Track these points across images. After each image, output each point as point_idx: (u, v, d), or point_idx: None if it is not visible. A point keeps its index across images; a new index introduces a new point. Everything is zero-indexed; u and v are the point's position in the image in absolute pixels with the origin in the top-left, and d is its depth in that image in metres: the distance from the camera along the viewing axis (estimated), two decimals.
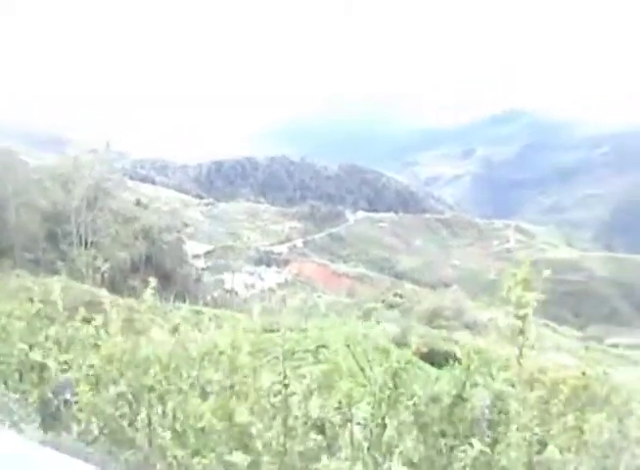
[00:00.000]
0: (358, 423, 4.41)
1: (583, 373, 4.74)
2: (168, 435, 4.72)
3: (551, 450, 4.25)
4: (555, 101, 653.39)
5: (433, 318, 74.01)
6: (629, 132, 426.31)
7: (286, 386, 4.47)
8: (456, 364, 4.51)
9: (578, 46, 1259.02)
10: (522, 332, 3.72)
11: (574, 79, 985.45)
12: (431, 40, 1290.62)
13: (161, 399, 5.06)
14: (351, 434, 4.38)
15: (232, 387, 4.68)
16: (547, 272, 4.42)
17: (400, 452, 4.31)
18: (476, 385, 4.39)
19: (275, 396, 4.46)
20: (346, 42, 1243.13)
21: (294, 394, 4.46)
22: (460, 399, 4.37)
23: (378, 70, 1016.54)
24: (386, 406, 4.41)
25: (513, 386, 4.26)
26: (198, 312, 35.46)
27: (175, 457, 4.58)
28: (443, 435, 4.39)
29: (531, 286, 3.89)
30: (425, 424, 4.41)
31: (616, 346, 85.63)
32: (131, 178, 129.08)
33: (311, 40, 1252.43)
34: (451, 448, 4.34)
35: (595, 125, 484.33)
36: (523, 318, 3.75)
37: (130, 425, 5.20)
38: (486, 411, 4.40)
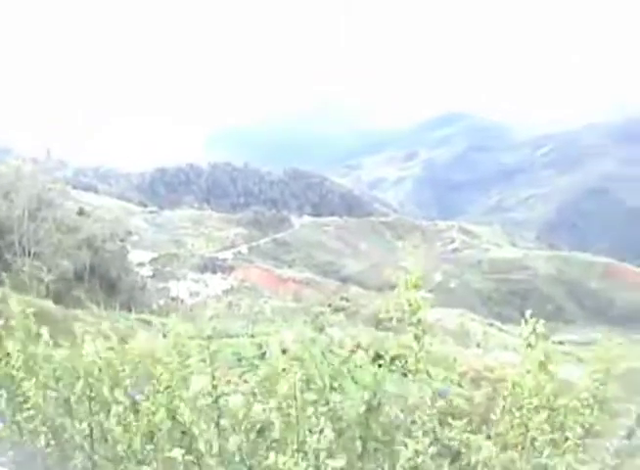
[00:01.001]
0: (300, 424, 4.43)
1: (528, 371, 4.78)
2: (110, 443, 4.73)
3: (488, 447, 4.29)
4: (494, 103, 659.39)
5: (379, 321, 74.22)
6: (569, 132, 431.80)
7: (228, 392, 4.48)
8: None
9: (516, 48, 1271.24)
10: (417, 338, 3.73)
11: (512, 82, 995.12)
12: (373, 45, 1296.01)
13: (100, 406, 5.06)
14: (297, 435, 4.39)
15: (175, 392, 4.68)
16: (439, 276, 4.45)
17: (343, 452, 4.33)
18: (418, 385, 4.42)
19: (218, 401, 4.46)
20: (291, 48, 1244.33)
21: (238, 398, 4.46)
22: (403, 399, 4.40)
23: (322, 75, 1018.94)
24: (326, 408, 4.42)
25: (460, 385, 4.29)
26: (144, 321, 35.28)
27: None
28: (383, 434, 4.42)
29: (422, 289, 3.92)
30: (366, 424, 4.44)
31: (561, 343, 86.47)
32: (74, 187, 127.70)
33: (255, 47, 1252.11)
34: (374, 451, 4.38)
35: (535, 126, 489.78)
36: (416, 324, 3.76)
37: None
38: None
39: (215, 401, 4.48)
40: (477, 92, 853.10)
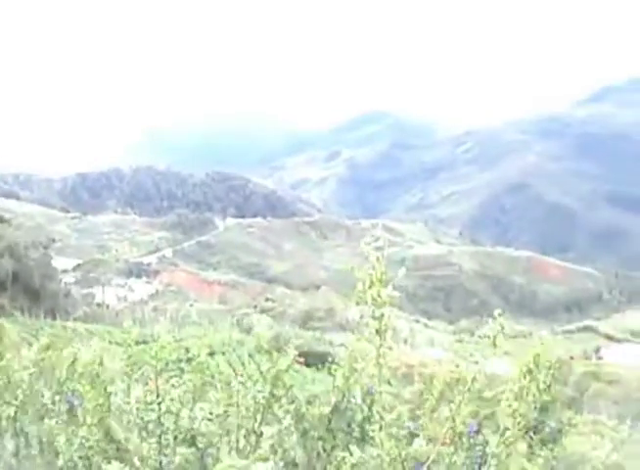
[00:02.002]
0: (231, 430, 4.40)
1: (457, 365, 4.82)
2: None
3: (418, 443, 4.31)
4: (415, 102, 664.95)
5: (306, 320, 74.38)
6: (489, 129, 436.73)
7: (158, 400, 4.42)
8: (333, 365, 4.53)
9: (436, 47, 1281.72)
10: (378, 332, 3.72)
11: (432, 80, 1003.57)
12: (294, 45, 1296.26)
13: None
14: (229, 442, 4.36)
15: (103, 403, 4.59)
16: (403, 270, 4.47)
17: (282, 457, 4.32)
18: (348, 384, 4.42)
19: (147, 409, 4.40)
20: (213, 50, 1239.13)
21: (166, 406, 4.41)
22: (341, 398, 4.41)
23: (243, 77, 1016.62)
24: (262, 412, 4.40)
25: (389, 383, 4.29)
26: (69, 328, 34.84)
27: None
28: (320, 438, 4.41)
29: (388, 285, 3.91)
30: (304, 428, 4.42)
31: (487, 337, 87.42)
32: None
33: (177, 49, 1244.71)
34: (331, 449, 4.37)
35: (456, 124, 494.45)
36: (379, 319, 3.76)
37: None
38: (358, 410, 4.45)
39: (159, 418, 4.42)
40: (397, 91, 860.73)
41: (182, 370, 4.82)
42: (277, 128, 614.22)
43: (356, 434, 4.44)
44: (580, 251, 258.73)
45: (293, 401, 4.44)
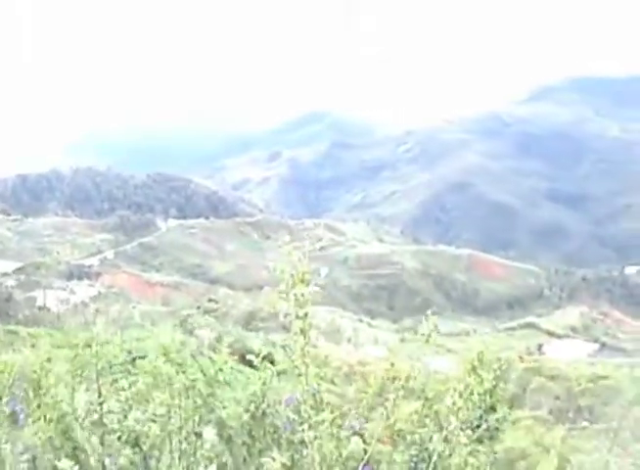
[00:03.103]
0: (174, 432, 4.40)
1: (392, 364, 4.84)
2: None
3: (356, 442, 4.34)
4: (356, 101, 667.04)
5: (249, 321, 74.48)
6: (429, 129, 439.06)
7: (101, 403, 4.42)
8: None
9: (374, 48, 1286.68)
10: (303, 332, 3.77)
11: (371, 80, 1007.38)
12: (233, 46, 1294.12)
13: None
14: (170, 444, 4.37)
15: (43, 406, 4.57)
16: (326, 270, 4.50)
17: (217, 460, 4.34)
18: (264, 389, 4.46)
19: (91, 413, 4.40)
20: (151, 51, 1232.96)
21: (110, 410, 4.41)
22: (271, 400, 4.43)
23: (184, 78, 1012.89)
24: (201, 414, 4.42)
25: (333, 382, 4.31)
26: (10, 332, 34.44)
27: None
28: (254, 438, 4.44)
29: (309, 282, 3.96)
30: (239, 428, 4.44)
31: (423, 335, 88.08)
32: None
33: (116, 50, 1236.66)
34: (258, 454, 4.40)
35: (396, 123, 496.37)
36: (303, 318, 3.81)
37: None
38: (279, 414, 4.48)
39: (101, 418, 4.42)
40: (337, 91, 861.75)
41: (129, 372, 4.81)
42: (218, 129, 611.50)
43: (285, 437, 4.46)
44: (521, 248, 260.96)
45: (213, 410, 4.46)
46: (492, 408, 4.98)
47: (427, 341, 4.30)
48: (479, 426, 4.82)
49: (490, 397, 4.79)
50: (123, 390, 4.56)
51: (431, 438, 4.66)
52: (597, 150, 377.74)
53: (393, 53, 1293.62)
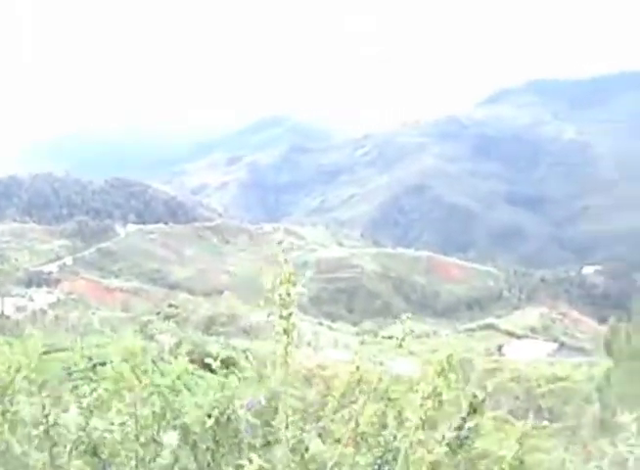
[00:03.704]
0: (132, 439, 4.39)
1: (358, 367, 4.87)
2: None
3: (316, 444, 4.37)
4: (314, 105, 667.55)
5: (209, 326, 74.33)
6: (386, 132, 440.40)
7: (45, 412, 4.40)
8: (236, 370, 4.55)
9: (332, 52, 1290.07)
10: (286, 332, 3.80)
11: (329, 84, 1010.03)
12: (190, 49, 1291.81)
13: None
14: (130, 452, 4.36)
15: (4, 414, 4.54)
16: (310, 273, 4.54)
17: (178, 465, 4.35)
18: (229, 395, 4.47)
19: (37, 423, 4.38)
20: (110, 54, 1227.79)
21: (54, 418, 4.39)
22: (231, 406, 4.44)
23: (138, 83, 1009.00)
24: (161, 420, 4.42)
25: (294, 385, 4.33)
26: None
27: None
28: (218, 443, 4.44)
29: (295, 285, 4.00)
30: (194, 440, 4.45)
31: (390, 337, 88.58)
32: None
33: (70, 56, 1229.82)
34: (220, 458, 4.42)
35: (354, 127, 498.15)
36: (287, 318, 3.84)
37: None
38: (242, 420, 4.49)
39: (47, 431, 4.39)
40: (296, 95, 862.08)
41: (90, 379, 4.78)
42: (177, 134, 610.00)
43: (246, 441, 4.48)
44: (480, 250, 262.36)
45: (178, 416, 4.46)
46: (474, 410, 5.03)
47: (400, 345, 4.35)
48: (459, 428, 4.87)
49: (474, 411, 4.85)
50: (84, 397, 4.54)
51: (394, 438, 4.70)
52: (554, 152, 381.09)
53: (352, 57, 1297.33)
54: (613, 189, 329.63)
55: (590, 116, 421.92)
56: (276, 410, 4.15)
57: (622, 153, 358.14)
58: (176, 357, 4.61)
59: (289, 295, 3.91)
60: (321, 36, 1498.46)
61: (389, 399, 5.04)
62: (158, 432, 4.41)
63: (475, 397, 4.99)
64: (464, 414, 4.86)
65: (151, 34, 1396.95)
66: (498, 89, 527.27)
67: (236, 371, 4.57)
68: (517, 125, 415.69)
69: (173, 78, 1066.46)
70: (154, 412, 4.41)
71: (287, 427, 4.05)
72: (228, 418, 4.49)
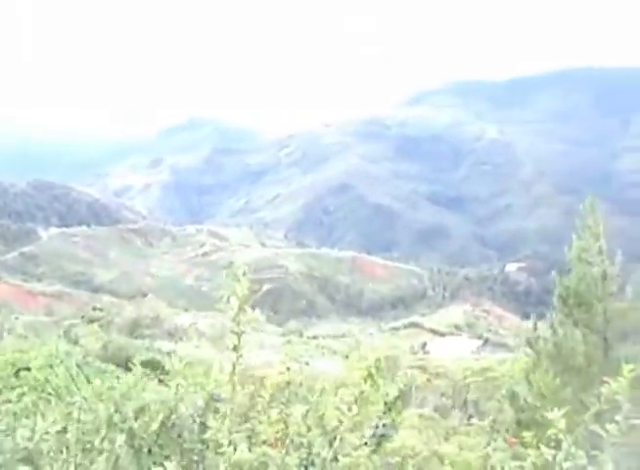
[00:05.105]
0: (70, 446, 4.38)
1: (288, 368, 4.92)
2: None
3: (242, 450, 4.40)
4: (237, 107, 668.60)
5: (134, 329, 73.73)
6: (310, 132, 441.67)
7: None
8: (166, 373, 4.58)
9: (256, 53, 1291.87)
10: (235, 348, 3.86)
11: (253, 85, 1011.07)
12: (117, 53, 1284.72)
13: None
14: (67, 459, 4.35)
15: None
16: (246, 271, 4.57)
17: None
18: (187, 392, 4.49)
19: None
20: (38, 56, 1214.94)
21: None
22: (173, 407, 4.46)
23: (64, 86, 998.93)
24: (109, 425, 4.42)
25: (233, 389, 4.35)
26: None
27: None
28: (161, 447, 4.47)
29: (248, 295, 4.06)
30: (140, 444, 4.46)
31: (315, 337, 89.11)
32: None
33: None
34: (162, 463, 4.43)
35: (278, 128, 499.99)
36: (238, 335, 3.89)
37: None
38: (197, 417, 4.51)
39: None
40: (219, 97, 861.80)
41: (13, 387, 4.78)
42: (99, 136, 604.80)
43: (188, 445, 4.50)
44: (404, 249, 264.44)
45: (125, 420, 4.47)
46: (390, 410, 5.09)
47: (319, 346, 4.41)
48: (377, 428, 4.93)
49: (389, 409, 4.91)
50: (9, 402, 4.54)
51: (316, 441, 4.75)
52: (476, 152, 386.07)
53: (277, 57, 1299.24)
54: (533, 187, 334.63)
55: (511, 116, 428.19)
56: (215, 414, 4.19)
57: (542, 152, 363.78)
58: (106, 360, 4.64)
59: (244, 315, 3.97)
60: (243, 39, 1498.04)
61: (311, 403, 5.10)
62: (103, 438, 4.41)
63: (387, 395, 5.06)
64: (380, 413, 4.94)
65: (81, 33, 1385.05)
66: (420, 90, 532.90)
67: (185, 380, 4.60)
68: (439, 126, 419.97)
69: (96, 81, 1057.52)
70: (95, 418, 4.41)
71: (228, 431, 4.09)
72: (173, 424, 4.51)
